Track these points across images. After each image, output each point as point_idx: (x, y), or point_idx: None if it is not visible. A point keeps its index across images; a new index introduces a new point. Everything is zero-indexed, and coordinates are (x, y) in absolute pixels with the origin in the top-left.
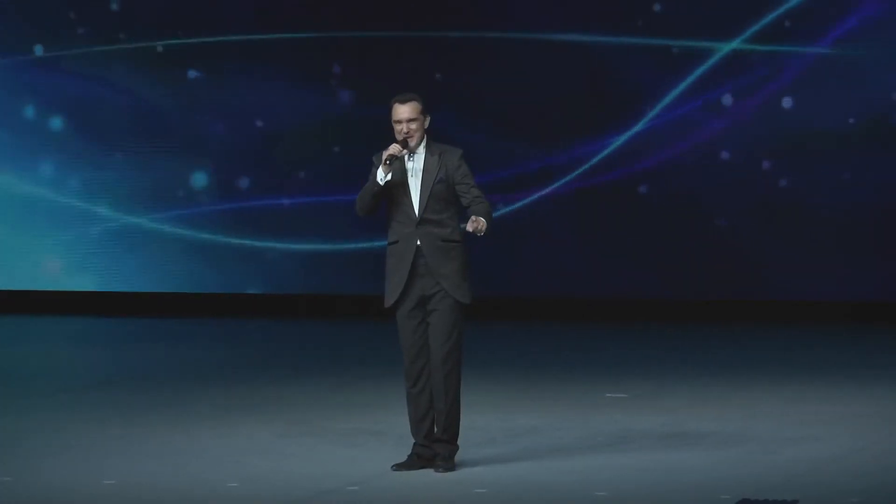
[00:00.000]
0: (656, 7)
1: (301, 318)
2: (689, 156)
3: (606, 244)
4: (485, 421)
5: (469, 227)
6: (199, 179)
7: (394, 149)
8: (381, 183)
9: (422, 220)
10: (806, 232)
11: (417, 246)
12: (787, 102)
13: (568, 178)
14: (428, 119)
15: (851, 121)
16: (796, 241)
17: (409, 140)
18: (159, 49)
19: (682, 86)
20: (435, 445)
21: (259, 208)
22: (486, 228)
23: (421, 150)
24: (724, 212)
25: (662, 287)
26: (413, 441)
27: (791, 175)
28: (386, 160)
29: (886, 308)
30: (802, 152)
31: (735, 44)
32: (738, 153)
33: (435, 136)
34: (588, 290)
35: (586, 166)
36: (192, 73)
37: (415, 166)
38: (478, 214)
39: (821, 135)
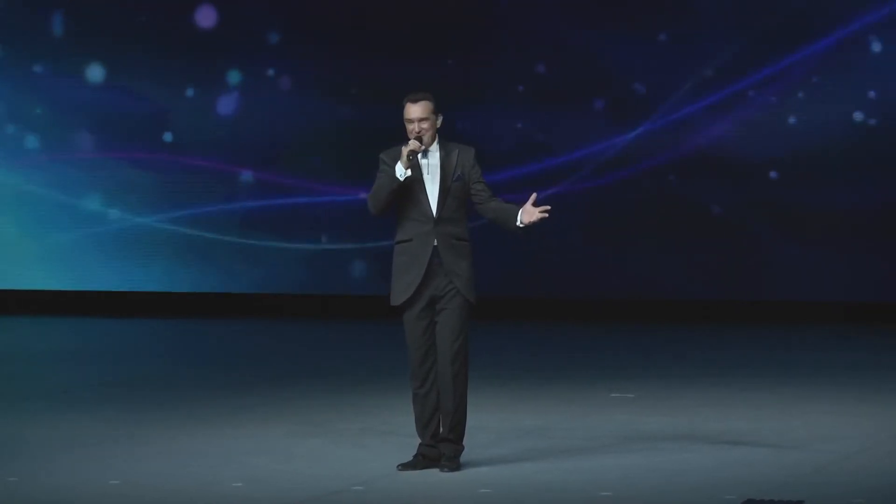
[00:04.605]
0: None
1: (307, 318)
2: (691, 156)
3: (610, 244)
4: (490, 421)
5: (536, 216)
6: (203, 181)
7: (413, 144)
8: (402, 179)
9: (439, 219)
10: (806, 232)
11: (434, 246)
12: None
13: (571, 178)
14: (440, 118)
15: (852, 121)
16: (797, 241)
17: (421, 138)
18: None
19: (686, 86)
20: (441, 445)
21: (261, 208)
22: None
23: (435, 148)
24: (725, 213)
25: (666, 287)
26: (419, 441)
27: (791, 175)
28: (408, 156)
29: (886, 308)
30: (803, 153)
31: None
32: (740, 154)
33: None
34: (594, 290)
35: (588, 167)
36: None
37: (430, 164)
38: (501, 211)
39: (821, 135)
